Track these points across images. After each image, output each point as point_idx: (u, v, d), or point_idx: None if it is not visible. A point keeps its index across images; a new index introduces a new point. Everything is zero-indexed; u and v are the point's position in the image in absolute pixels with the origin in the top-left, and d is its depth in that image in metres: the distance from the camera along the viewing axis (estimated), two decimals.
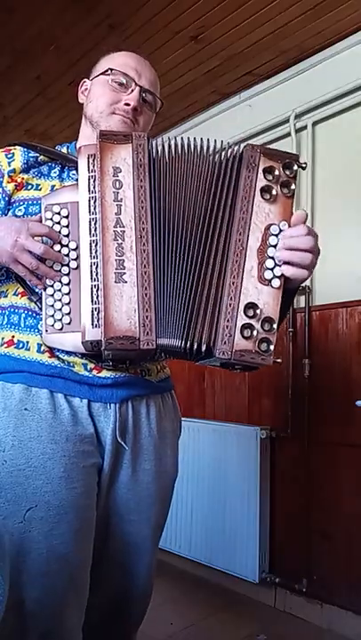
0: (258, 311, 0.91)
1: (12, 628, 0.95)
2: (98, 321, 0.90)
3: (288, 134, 2.32)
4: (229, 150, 0.99)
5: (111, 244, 0.92)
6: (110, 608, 1.13)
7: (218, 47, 2.20)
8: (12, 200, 1.06)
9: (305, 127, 2.29)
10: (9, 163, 1.07)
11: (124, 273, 0.91)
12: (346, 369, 2.05)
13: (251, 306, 0.91)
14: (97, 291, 0.91)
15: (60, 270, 0.96)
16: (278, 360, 0.94)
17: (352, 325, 2.06)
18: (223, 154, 0.99)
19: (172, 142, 0.99)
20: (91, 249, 0.93)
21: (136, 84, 1.09)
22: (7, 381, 1.01)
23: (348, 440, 2.01)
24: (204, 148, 0.99)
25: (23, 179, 1.07)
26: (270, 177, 0.96)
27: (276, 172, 0.96)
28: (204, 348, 0.91)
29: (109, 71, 1.10)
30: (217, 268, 0.94)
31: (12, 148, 1.10)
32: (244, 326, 0.90)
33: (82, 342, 0.92)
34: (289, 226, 0.95)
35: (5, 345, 1.03)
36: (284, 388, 2.23)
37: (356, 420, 1.98)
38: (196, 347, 0.91)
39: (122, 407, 1.04)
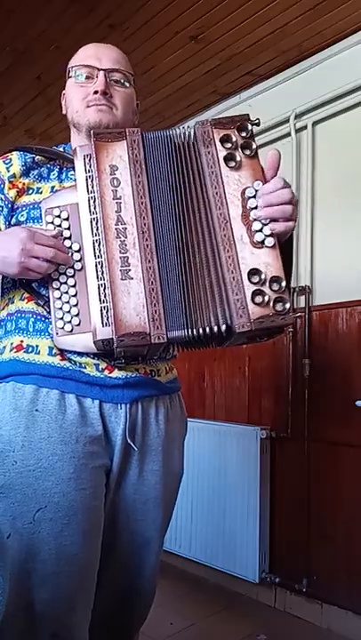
0: (262, 275, 0.91)
1: (23, 630, 0.94)
2: (107, 319, 0.90)
3: (288, 134, 2.32)
4: (184, 133, 0.99)
5: (114, 242, 0.92)
6: (114, 607, 1.13)
7: (218, 47, 2.20)
8: (15, 206, 1.06)
9: (305, 127, 2.29)
10: (7, 168, 1.07)
11: (130, 270, 0.91)
12: (346, 369, 2.05)
13: (254, 272, 0.91)
14: (104, 289, 0.91)
15: (65, 272, 0.97)
16: (298, 314, 0.95)
17: (352, 325, 2.06)
18: (178, 138, 0.99)
19: (157, 134, 0.99)
20: (94, 249, 0.93)
21: (98, 69, 1.08)
22: (18, 382, 1.01)
23: (348, 440, 2.01)
24: (169, 135, 0.99)
25: (24, 184, 1.07)
26: (229, 144, 0.97)
27: (234, 139, 0.97)
28: (215, 330, 0.91)
29: (71, 70, 1.11)
30: (208, 247, 0.94)
31: (8, 154, 1.10)
32: (255, 293, 0.90)
33: (94, 342, 0.92)
34: (264, 183, 0.95)
35: (15, 350, 1.03)
36: (285, 388, 2.23)
37: (357, 419, 1.98)
38: (207, 332, 0.91)
39: (132, 408, 1.04)
